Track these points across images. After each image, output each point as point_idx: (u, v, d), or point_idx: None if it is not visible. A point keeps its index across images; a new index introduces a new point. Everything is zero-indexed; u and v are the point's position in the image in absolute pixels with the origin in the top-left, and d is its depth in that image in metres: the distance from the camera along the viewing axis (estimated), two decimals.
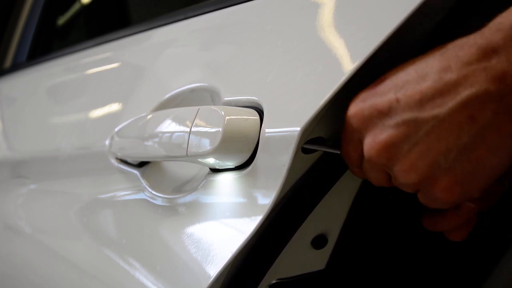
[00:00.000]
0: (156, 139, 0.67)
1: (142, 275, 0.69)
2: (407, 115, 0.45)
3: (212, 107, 0.60)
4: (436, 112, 0.43)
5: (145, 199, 0.73)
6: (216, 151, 0.57)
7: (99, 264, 0.79)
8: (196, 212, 0.64)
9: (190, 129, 0.60)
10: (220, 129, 0.57)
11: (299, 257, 0.60)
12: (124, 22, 1.61)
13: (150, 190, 0.72)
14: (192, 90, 0.71)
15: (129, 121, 0.78)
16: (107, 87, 0.96)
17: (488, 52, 0.42)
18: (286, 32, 0.62)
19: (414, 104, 0.44)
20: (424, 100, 0.44)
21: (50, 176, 1.03)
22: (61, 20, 1.70)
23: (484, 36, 0.43)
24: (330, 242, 0.60)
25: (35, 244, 1.01)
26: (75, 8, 1.75)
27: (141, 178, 0.75)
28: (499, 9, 0.43)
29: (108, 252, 0.79)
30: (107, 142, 0.82)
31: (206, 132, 0.58)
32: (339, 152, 0.53)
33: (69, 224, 0.91)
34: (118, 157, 0.80)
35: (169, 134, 0.64)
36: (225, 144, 0.57)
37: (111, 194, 0.84)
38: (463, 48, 0.43)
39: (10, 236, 1.12)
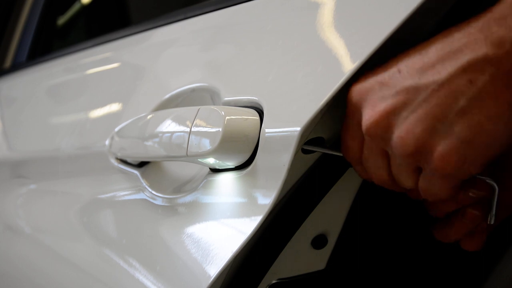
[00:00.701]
0: (156, 139, 0.67)
1: (142, 275, 0.69)
2: (407, 83, 0.45)
3: (212, 107, 0.60)
4: (436, 78, 0.44)
5: (145, 199, 0.73)
6: (216, 151, 0.57)
7: (99, 264, 0.79)
8: (196, 212, 0.64)
9: (190, 129, 0.60)
10: (220, 129, 0.57)
11: (299, 257, 0.60)
12: (124, 22, 1.61)
13: (150, 190, 0.72)
14: (192, 90, 0.71)
15: (129, 121, 0.78)
16: (107, 87, 0.96)
17: (490, 21, 0.43)
18: (286, 32, 0.62)
19: (415, 72, 0.45)
20: (424, 68, 0.45)
21: (50, 176, 1.03)
22: (61, 20, 1.70)
23: (489, 9, 0.43)
24: (330, 242, 0.60)
25: (35, 244, 1.01)
26: (75, 8, 1.75)
27: (141, 178, 0.75)
28: None
29: (108, 252, 0.79)
30: (107, 142, 0.82)
31: (206, 132, 0.58)
32: (338, 154, 0.53)
33: (69, 224, 0.91)
34: (118, 157, 0.80)
35: (169, 134, 0.64)
36: (225, 144, 0.57)
37: (111, 194, 0.84)
38: (467, 23, 0.44)
39: (10, 236, 1.12)
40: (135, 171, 0.77)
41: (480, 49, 0.42)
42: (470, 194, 0.51)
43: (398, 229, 0.66)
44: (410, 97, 0.45)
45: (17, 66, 1.51)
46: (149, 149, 0.69)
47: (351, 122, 0.50)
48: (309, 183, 0.56)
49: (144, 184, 0.74)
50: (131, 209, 0.77)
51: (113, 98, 0.92)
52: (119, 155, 0.79)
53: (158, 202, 0.71)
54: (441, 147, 0.44)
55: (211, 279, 0.58)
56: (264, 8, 0.68)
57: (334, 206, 0.59)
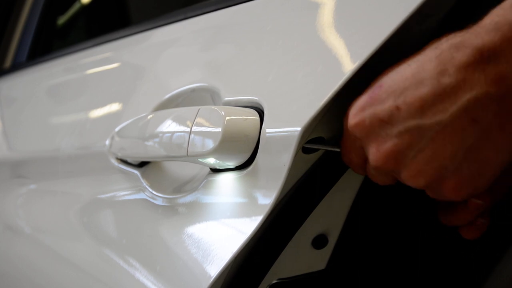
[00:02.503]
0: (157, 139, 0.67)
1: (142, 275, 0.69)
2: (410, 123, 0.45)
3: (213, 107, 0.60)
4: (438, 118, 0.43)
5: (146, 199, 0.73)
6: (216, 151, 0.57)
7: (99, 264, 0.79)
8: (196, 212, 0.64)
9: (191, 129, 0.60)
10: (220, 129, 0.57)
11: (300, 257, 0.60)
12: (124, 22, 1.61)
13: (150, 190, 0.72)
14: (193, 90, 0.71)
15: (129, 121, 0.77)
16: (107, 87, 0.96)
17: (485, 54, 0.42)
18: (286, 32, 0.62)
19: (415, 112, 0.44)
20: (425, 107, 0.44)
21: (50, 176, 1.03)
22: (61, 20, 1.70)
23: (480, 36, 0.42)
24: (331, 242, 0.60)
25: (35, 244, 1.01)
26: (75, 8, 1.75)
27: (141, 178, 0.75)
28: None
29: (108, 252, 0.79)
30: (107, 142, 0.82)
31: (206, 132, 0.58)
32: (339, 150, 0.53)
33: (69, 224, 0.91)
34: (119, 157, 0.80)
35: (170, 134, 0.64)
36: (225, 144, 0.57)
37: (112, 194, 0.84)
38: (459, 50, 0.43)
39: (10, 236, 1.12)
40: (135, 171, 0.77)
41: (480, 87, 0.42)
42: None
43: (398, 229, 0.66)
44: (414, 137, 0.45)
45: (17, 66, 1.51)
46: (150, 149, 0.69)
47: (353, 145, 0.51)
48: (310, 183, 0.56)
49: (145, 184, 0.74)
50: (131, 209, 0.77)
51: (113, 98, 0.92)
52: (119, 155, 0.79)
53: (158, 202, 0.71)
54: (451, 182, 0.46)
55: (212, 279, 0.58)
56: (264, 8, 0.68)
57: (335, 206, 0.59)
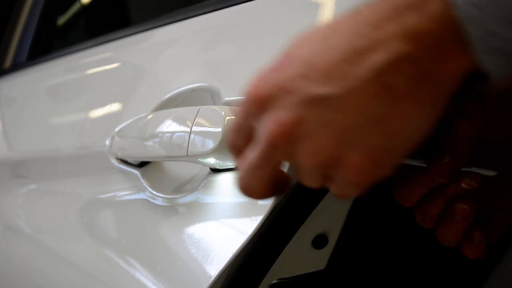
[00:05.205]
0: (157, 139, 0.67)
1: (142, 275, 0.69)
2: (314, 91, 0.39)
3: (213, 107, 0.60)
4: (345, 84, 0.38)
5: (146, 199, 0.73)
6: (217, 151, 0.57)
7: (100, 264, 0.79)
8: (196, 212, 0.64)
9: (191, 129, 0.60)
10: (221, 129, 0.57)
11: (300, 257, 0.60)
12: (124, 22, 1.61)
13: (150, 190, 0.72)
14: (193, 90, 0.71)
15: (129, 121, 0.78)
16: (107, 87, 0.96)
17: (401, 8, 0.37)
18: (286, 32, 0.62)
19: (321, 78, 0.38)
20: (332, 73, 0.38)
21: (50, 176, 1.03)
22: (61, 20, 1.70)
23: None
24: (331, 242, 0.60)
25: (35, 244, 1.01)
26: (75, 8, 1.75)
27: (141, 178, 0.75)
28: None
29: (108, 252, 0.79)
30: (107, 142, 0.82)
31: (206, 132, 0.59)
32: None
33: (69, 224, 0.91)
34: (119, 157, 0.80)
35: (170, 134, 0.64)
36: (226, 144, 0.57)
37: (112, 194, 0.84)
38: (376, 10, 0.38)
39: (10, 236, 1.12)
40: (136, 171, 0.77)
41: (393, 46, 0.37)
42: (463, 185, 0.49)
43: (398, 229, 0.66)
44: (317, 107, 0.38)
45: (17, 66, 1.51)
46: (150, 149, 0.69)
47: (244, 122, 0.44)
48: None
49: (145, 184, 0.74)
50: (131, 209, 0.77)
51: (113, 98, 0.92)
52: (120, 155, 0.79)
53: (159, 202, 0.71)
54: (355, 159, 0.39)
55: (212, 279, 0.58)
56: (264, 8, 0.68)
57: (335, 206, 0.59)
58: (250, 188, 0.45)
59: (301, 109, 0.39)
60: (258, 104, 0.41)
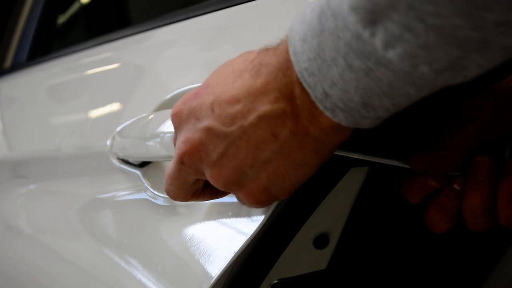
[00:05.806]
0: (158, 139, 0.67)
1: (143, 275, 0.69)
2: (214, 124, 0.45)
3: None
4: (240, 124, 0.44)
5: (147, 199, 0.73)
6: None
7: (100, 264, 0.80)
8: (198, 212, 0.64)
9: None
10: None
11: (301, 256, 0.60)
12: (124, 22, 1.61)
13: (151, 190, 0.73)
14: None
15: (130, 121, 0.78)
16: (107, 87, 0.96)
17: (283, 67, 0.43)
18: (286, 32, 0.62)
19: (223, 114, 0.44)
20: (232, 111, 0.44)
21: (51, 176, 1.04)
22: (61, 20, 1.70)
23: (277, 53, 0.44)
24: (332, 242, 0.60)
25: (35, 244, 1.01)
26: (75, 8, 1.75)
27: (142, 178, 0.75)
28: None
29: (109, 252, 0.80)
30: (108, 142, 0.82)
31: None
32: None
33: (70, 224, 0.91)
34: (120, 157, 0.80)
35: (171, 134, 0.64)
36: None
37: (112, 194, 0.84)
38: (267, 66, 0.44)
39: (10, 236, 1.12)
40: (137, 171, 0.77)
41: (277, 101, 0.42)
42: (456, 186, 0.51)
43: (399, 229, 0.66)
44: (217, 139, 0.45)
45: (17, 66, 1.51)
46: (151, 149, 0.69)
47: (174, 136, 0.50)
48: (311, 182, 0.56)
49: (146, 184, 0.74)
50: (132, 209, 0.77)
51: (114, 98, 0.92)
52: (121, 155, 0.79)
53: (160, 202, 0.71)
54: (250, 188, 0.46)
55: (213, 279, 0.58)
56: (265, 8, 0.68)
57: (336, 206, 0.59)
58: (171, 193, 0.53)
59: (204, 134, 0.45)
60: (176, 123, 0.48)
